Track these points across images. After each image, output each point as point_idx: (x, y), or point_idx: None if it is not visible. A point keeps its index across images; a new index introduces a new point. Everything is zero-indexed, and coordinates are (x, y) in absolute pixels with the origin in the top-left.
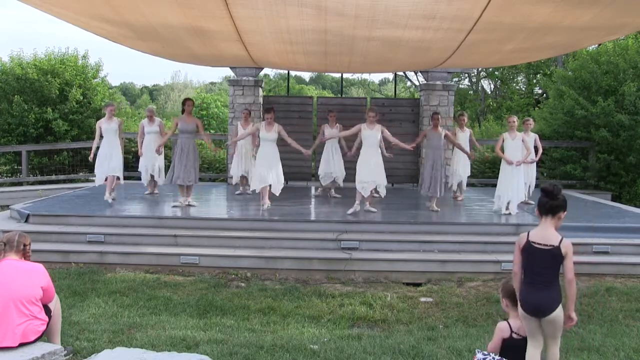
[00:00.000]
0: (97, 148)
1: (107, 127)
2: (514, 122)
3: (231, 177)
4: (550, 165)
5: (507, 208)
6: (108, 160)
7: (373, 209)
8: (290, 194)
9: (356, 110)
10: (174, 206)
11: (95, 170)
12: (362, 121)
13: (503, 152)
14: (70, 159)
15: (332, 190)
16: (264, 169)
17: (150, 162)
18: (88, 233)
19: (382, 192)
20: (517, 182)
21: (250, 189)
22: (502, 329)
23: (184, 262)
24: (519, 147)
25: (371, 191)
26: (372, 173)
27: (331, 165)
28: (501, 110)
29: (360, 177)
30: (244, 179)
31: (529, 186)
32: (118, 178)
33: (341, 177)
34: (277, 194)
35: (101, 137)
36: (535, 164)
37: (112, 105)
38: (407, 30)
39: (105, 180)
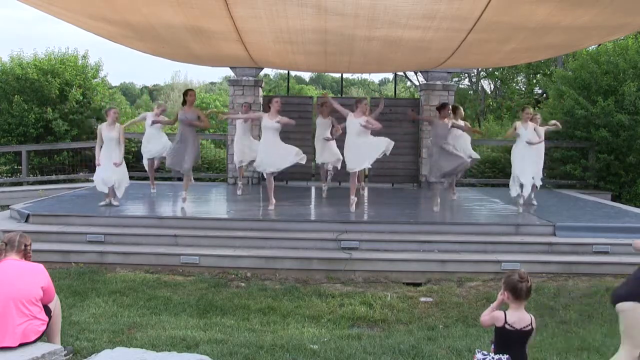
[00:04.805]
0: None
1: (108, 135)
2: (529, 113)
3: (232, 178)
4: (550, 165)
5: (522, 195)
6: (110, 169)
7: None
8: (290, 194)
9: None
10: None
11: (95, 177)
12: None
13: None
14: (70, 159)
15: (324, 186)
16: (265, 156)
17: (151, 153)
18: (88, 233)
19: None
20: (533, 161)
21: (259, 170)
22: (496, 317)
23: (184, 262)
24: (531, 136)
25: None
26: (360, 159)
27: (325, 155)
28: (501, 110)
29: (348, 165)
30: (242, 170)
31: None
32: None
33: (333, 163)
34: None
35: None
36: (543, 157)
37: (114, 109)
38: (407, 30)
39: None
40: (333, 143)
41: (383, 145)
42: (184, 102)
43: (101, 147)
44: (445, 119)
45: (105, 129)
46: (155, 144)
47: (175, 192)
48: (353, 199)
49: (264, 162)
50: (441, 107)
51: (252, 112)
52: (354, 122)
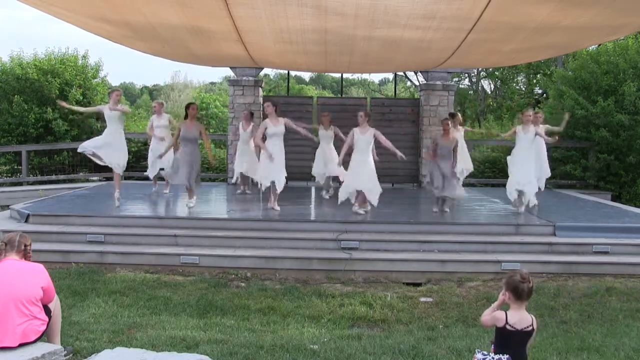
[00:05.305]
0: (80, 113)
1: (109, 114)
2: (529, 116)
3: (232, 178)
4: (550, 165)
5: (522, 201)
6: (111, 150)
7: (361, 211)
8: (290, 194)
9: (356, 111)
10: (189, 206)
11: (90, 143)
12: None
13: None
14: (70, 159)
15: (324, 192)
16: (270, 166)
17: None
18: (88, 233)
19: (374, 200)
20: (530, 168)
21: (263, 188)
22: (497, 318)
23: (184, 262)
24: (531, 140)
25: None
26: (359, 180)
27: (326, 166)
28: (501, 110)
29: (347, 183)
30: (245, 178)
31: (540, 180)
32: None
33: (335, 174)
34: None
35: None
36: (546, 157)
37: (117, 91)
38: (407, 30)
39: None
40: (335, 155)
41: (373, 187)
42: (186, 116)
43: (89, 115)
44: (449, 135)
45: (107, 108)
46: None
47: (175, 192)
48: (366, 205)
49: (266, 173)
50: (443, 121)
51: (254, 125)
52: (361, 138)
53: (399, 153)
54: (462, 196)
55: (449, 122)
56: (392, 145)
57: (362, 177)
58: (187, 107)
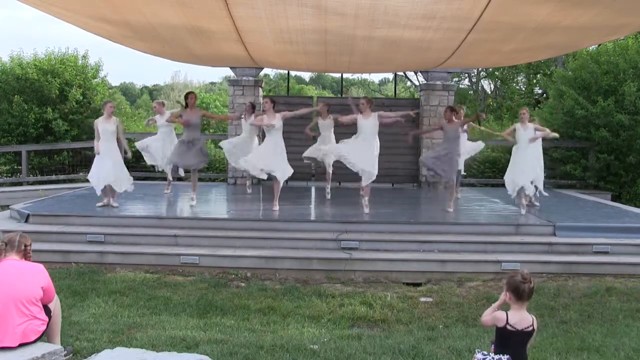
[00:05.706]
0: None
1: (105, 128)
2: (524, 113)
3: (233, 178)
4: (550, 165)
5: (521, 196)
6: (108, 166)
7: (367, 210)
8: (290, 194)
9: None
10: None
11: (93, 174)
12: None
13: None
14: (70, 159)
15: (328, 187)
16: (265, 160)
17: (162, 155)
18: (88, 233)
19: (365, 181)
20: (531, 164)
21: (258, 175)
22: (498, 318)
23: (184, 262)
24: (531, 137)
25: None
26: (358, 158)
27: (319, 152)
28: (501, 110)
29: (344, 155)
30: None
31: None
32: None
33: (325, 160)
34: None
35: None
36: (541, 157)
37: (111, 103)
38: (407, 30)
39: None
40: (334, 142)
41: (371, 170)
42: (186, 105)
43: (89, 115)
44: (454, 121)
45: (101, 122)
46: (166, 149)
47: (175, 192)
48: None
49: (257, 162)
50: (444, 111)
51: (257, 114)
52: (364, 123)
53: (411, 113)
54: (452, 185)
55: (450, 111)
56: (398, 113)
57: (361, 157)
58: (187, 96)
